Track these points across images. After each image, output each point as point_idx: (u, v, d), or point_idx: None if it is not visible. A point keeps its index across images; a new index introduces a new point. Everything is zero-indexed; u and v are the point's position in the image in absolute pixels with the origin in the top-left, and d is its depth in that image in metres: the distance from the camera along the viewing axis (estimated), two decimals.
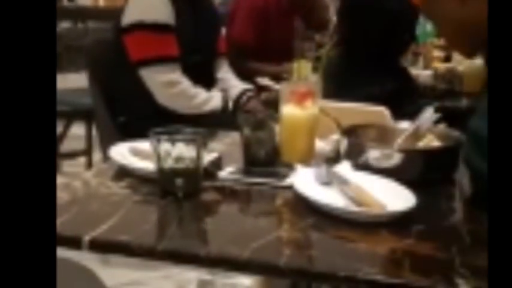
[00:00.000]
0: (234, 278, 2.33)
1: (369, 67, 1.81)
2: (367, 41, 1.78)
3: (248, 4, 2.80)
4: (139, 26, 2.11)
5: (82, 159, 3.51)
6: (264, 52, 2.77)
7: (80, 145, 3.50)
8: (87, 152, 3.45)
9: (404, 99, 1.75)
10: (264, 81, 1.58)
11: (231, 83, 2.38)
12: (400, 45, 1.93)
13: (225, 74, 2.40)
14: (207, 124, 1.44)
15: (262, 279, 2.04)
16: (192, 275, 2.38)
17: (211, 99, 2.21)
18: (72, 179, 1.20)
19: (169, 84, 2.13)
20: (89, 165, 3.43)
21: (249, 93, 2.32)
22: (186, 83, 2.16)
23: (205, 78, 2.28)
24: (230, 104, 2.25)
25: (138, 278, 2.39)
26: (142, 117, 2.15)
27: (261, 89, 2.22)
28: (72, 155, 3.61)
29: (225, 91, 2.31)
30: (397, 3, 1.81)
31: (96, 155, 3.32)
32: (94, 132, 3.09)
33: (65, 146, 3.58)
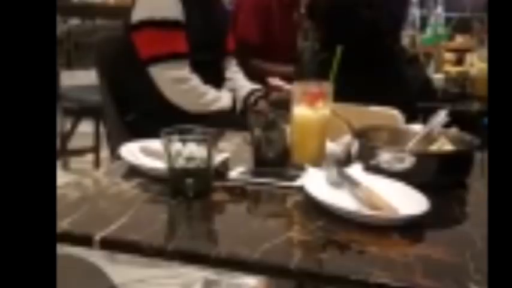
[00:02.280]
0: (240, 277, 2.32)
1: (347, 74, 1.76)
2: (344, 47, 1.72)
3: (251, 1, 2.79)
4: (149, 23, 2.10)
5: (90, 156, 3.52)
6: (268, 49, 2.76)
7: (88, 142, 3.51)
8: (95, 149, 3.46)
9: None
10: (275, 81, 1.57)
11: (239, 83, 2.37)
12: (380, 54, 1.90)
13: (234, 73, 2.39)
14: (215, 123, 1.43)
15: (268, 280, 2.04)
16: (197, 274, 2.38)
17: (220, 99, 2.21)
18: (83, 177, 1.20)
19: (178, 81, 2.13)
20: (97, 162, 3.44)
21: (257, 94, 2.31)
22: (195, 80, 2.16)
23: (215, 77, 2.27)
24: (239, 105, 2.25)
25: (144, 276, 2.39)
26: (150, 115, 2.15)
27: (270, 89, 2.21)
28: (80, 151, 3.62)
29: (233, 91, 2.31)
30: (372, 13, 1.79)
31: (104, 153, 3.33)
32: (102, 129, 3.10)
33: (73, 143, 3.59)
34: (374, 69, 1.85)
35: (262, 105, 2.26)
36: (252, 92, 2.30)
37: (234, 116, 2.21)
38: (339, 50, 1.33)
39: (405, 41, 2.52)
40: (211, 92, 2.19)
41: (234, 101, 2.24)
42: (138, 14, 2.13)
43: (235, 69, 2.41)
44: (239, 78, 2.39)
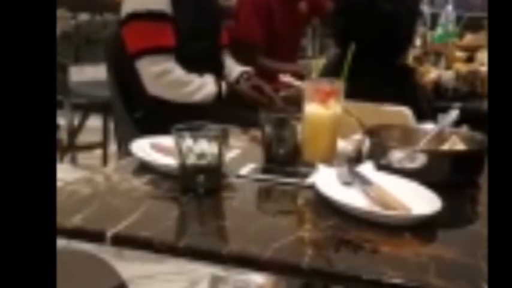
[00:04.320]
0: (247, 274, 2.32)
1: (362, 70, 1.75)
2: (361, 41, 1.71)
3: (251, 0, 2.78)
4: (135, 16, 2.08)
5: (98, 152, 3.53)
6: (273, 46, 2.75)
7: (96, 137, 3.51)
8: (103, 144, 3.47)
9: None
10: (287, 78, 1.57)
11: (231, 67, 2.37)
12: (395, 47, 1.88)
13: (226, 62, 2.39)
14: (223, 121, 1.43)
15: (275, 277, 2.04)
16: (205, 270, 2.38)
17: (204, 86, 2.16)
18: (94, 173, 1.20)
19: (162, 74, 2.10)
20: (105, 157, 3.44)
21: (245, 76, 2.31)
22: (178, 72, 2.12)
23: (210, 67, 2.24)
24: (224, 86, 2.20)
25: (151, 272, 2.40)
26: (158, 112, 2.14)
27: (281, 85, 2.20)
28: (88, 147, 3.63)
29: (225, 76, 2.31)
30: (392, 5, 1.78)
31: (112, 148, 3.33)
32: (111, 125, 3.10)
33: (81, 138, 3.59)
34: (387, 69, 1.84)
35: (255, 80, 2.25)
36: (241, 74, 2.31)
37: (239, 112, 2.19)
38: (350, 50, 1.32)
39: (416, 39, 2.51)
40: (195, 81, 2.15)
41: (219, 84, 2.19)
42: (126, 8, 2.12)
43: (228, 60, 2.40)
44: (230, 64, 2.38)
